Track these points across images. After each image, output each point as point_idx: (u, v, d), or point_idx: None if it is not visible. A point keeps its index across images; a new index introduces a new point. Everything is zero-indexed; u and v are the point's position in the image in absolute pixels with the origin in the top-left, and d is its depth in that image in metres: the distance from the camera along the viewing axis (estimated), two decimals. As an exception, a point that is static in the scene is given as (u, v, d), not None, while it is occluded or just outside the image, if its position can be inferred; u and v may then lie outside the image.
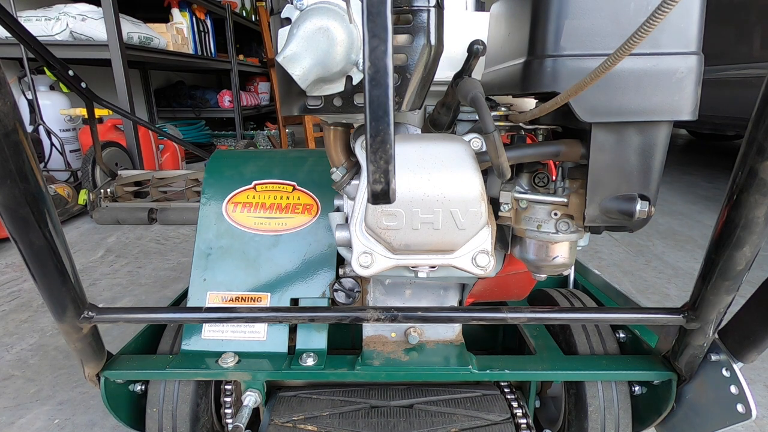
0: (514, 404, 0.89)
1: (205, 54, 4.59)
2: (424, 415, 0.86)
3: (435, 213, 0.63)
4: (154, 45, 3.55)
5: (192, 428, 0.86)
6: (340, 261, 0.95)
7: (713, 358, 0.74)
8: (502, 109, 0.74)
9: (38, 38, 2.06)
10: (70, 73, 2.26)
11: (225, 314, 0.75)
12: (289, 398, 0.91)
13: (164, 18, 4.14)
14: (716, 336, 0.74)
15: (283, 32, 0.52)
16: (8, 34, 1.79)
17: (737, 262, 0.60)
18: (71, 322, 0.70)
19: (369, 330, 0.93)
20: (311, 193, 1.00)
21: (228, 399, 0.89)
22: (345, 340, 1.15)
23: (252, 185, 1.01)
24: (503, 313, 0.73)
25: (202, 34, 4.54)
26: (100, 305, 0.73)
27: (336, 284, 0.92)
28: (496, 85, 0.71)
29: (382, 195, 0.23)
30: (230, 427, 0.85)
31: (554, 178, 0.71)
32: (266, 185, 1.01)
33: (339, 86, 0.54)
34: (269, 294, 0.92)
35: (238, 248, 0.96)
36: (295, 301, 0.93)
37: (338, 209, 0.85)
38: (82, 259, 2.29)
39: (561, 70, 0.56)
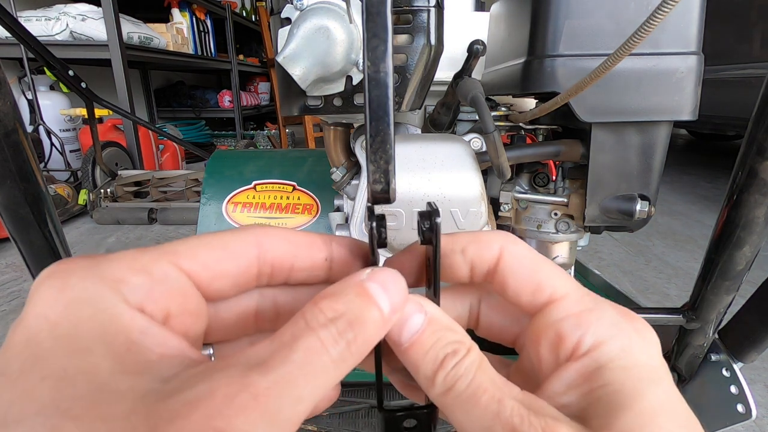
0: (514, 404, 0.89)
1: (205, 54, 4.59)
2: (424, 415, 0.86)
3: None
4: (154, 45, 3.55)
5: (192, 428, 0.86)
6: (340, 261, 0.95)
7: (713, 358, 0.74)
8: (502, 109, 0.74)
9: (38, 38, 2.06)
10: (70, 73, 2.26)
11: (225, 314, 0.75)
12: (289, 398, 0.91)
13: (164, 18, 4.14)
14: (716, 336, 0.74)
15: (283, 32, 0.52)
16: (8, 34, 1.79)
17: (737, 262, 0.60)
18: (71, 322, 0.70)
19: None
20: (311, 193, 1.00)
21: (228, 399, 0.89)
22: (345, 340, 1.15)
23: (252, 185, 1.01)
24: (503, 313, 0.72)
25: (202, 34, 4.54)
26: (100, 305, 0.73)
27: (336, 284, 0.92)
28: (496, 85, 0.71)
29: (382, 195, 0.23)
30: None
31: (554, 178, 0.71)
32: (266, 185, 1.01)
33: (339, 86, 0.54)
34: (269, 294, 0.92)
35: (238, 248, 0.96)
36: (295, 301, 0.92)
37: (338, 209, 0.85)
38: (82, 259, 2.29)
39: (561, 70, 0.56)
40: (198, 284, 0.22)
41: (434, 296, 0.24)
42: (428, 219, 0.23)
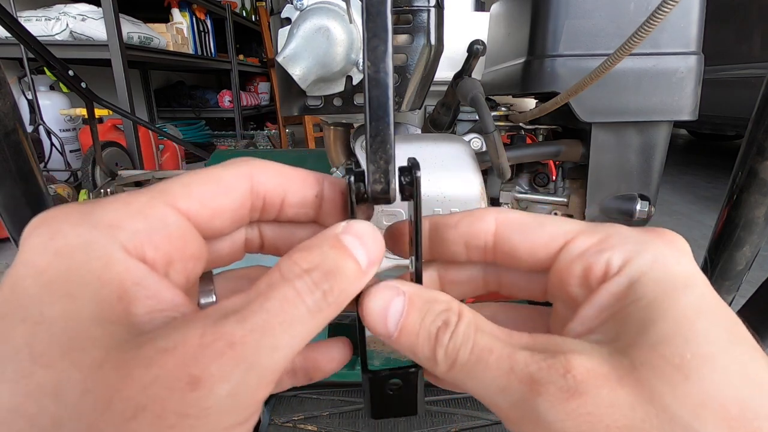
0: (514, 404, 0.89)
1: (205, 54, 4.59)
2: (424, 415, 0.86)
3: (435, 213, 0.63)
4: (154, 45, 3.55)
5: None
6: (340, 261, 0.95)
7: (713, 358, 0.74)
8: (502, 109, 0.74)
9: (38, 38, 2.06)
10: (70, 73, 2.26)
11: (225, 314, 0.75)
12: (289, 398, 0.91)
13: (164, 18, 4.14)
14: (716, 336, 0.74)
15: (283, 32, 0.52)
16: (8, 34, 1.79)
17: (737, 262, 0.60)
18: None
19: (369, 330, 0.93)
20: (311, 193, 1.00)
21: (228, 399, 0.89)
22: (345, 340, 1.15)
23: (252, 185, 1.01)
24: (503, 313, 0.72)
25: (202, 34, 4.54)
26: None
27: (336, 284, 0.92)
28: (496, 85, 0.71)
29: (382, 195, 0.23)
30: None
31: (554, 178, 0.71)
32: (266, 185, 1.01)
33: (339, 86, 0.54)
34: (269, 294, 0.92)
35: (238, 248, 0.96)
36: (295, 301, 0.92)
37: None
38: (82, 259, 2.29)
39: (561, 70, 0.56)
40: (196, 224, 0.21)
41: (416, 255, 0.23)
42: (408, 173, 0.23)
